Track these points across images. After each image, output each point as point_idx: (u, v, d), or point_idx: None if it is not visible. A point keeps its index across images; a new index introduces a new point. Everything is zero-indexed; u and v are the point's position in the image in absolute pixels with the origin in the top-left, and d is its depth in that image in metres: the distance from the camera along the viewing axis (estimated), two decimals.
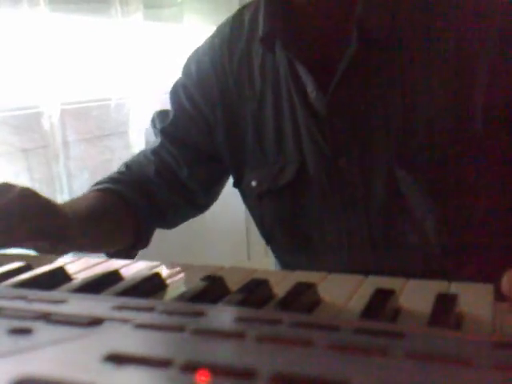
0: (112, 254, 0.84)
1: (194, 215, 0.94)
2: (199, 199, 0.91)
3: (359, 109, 0.73)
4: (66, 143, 1.68)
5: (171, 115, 0.89)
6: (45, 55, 1.57)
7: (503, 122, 0.68)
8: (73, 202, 0.79)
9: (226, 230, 2.36)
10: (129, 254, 0.86)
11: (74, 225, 0.70)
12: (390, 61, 0.71)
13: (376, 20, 0.70)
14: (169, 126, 0.88)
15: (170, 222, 0.92)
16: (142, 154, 0.91)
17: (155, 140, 0.90)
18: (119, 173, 0.89)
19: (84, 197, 0.83)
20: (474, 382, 0.25)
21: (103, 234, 0.80)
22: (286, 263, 0.88)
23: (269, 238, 0.87)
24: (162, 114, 0.91)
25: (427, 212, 0.71)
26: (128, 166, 0.90)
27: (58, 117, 1.62)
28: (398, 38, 0.71)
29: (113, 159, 1.68)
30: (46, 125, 1.59)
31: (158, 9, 2.06)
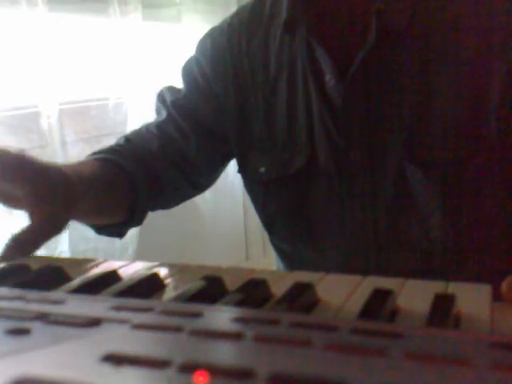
0: (102, 230, 0.82)
1: (191, 195, 0.92)
2: (200, 177, 0.90)
3: (374, 101, 0.73)
4: (64, 143, 1.68)
5: (184, 90, 0.88)
6: (43, 55, 1.57)
7: None
8: (72, 165, 0.75)
9: (224, 230, 2.36)
10: (119, 231, 0.84)
11: (77, 183, 0.66)
12: (407, 55, 0.71)
13: (395, 12, 0.70)
14: (181, 99, 0.87)
15: (167, 201, 0.90)
16: (144, 127, 0.89)
17: (159, 116, 0.89)
18: (118, 145, 0.86)
19: (82, 162, 0.79)
20: (473, 382, 0.25)
21: (101, 202, 0.76)
22: (284, 253, 0.87)
23: (269, 225, 0.86)
24: (172, 89, 0.90)
25: (433, 209, 0.71)
26: (128, 139, 0.87)
27: (56, 117, 1.61)
28: (417, 33, 0.71)
29: None
30: (44, 125, 1.59)
31: (156, 9, 2.06)
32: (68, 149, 1.70)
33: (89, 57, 1.77)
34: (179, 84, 0.91)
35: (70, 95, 1.74)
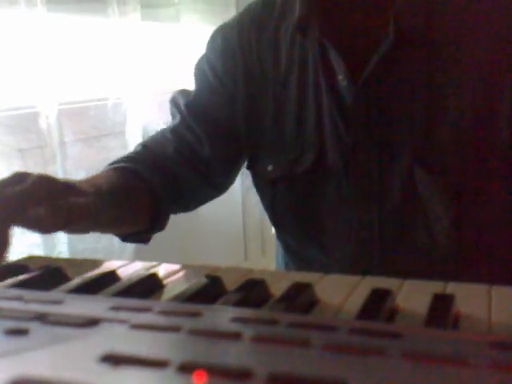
0: (126, 238, 0.82)
1: (211, 197, 0.92)
2: (218, 178, 0.89)
3: (386, 103, 0.73)
4: (62, 143, 1.68)
5: (195, 90, 0.88)
6: (42, 55, 1.57)
7: None
8: (90, 178, 0.75)
9: (223, 230, 2.36)
10: (144, 237, 0.84)
11: (94, 199, 0.65)
12: (421, 60, 0.71)
13: (412, 18, 0.71)
14: (192, 100, 0.87)
15: (187, 203, 0.90)
16: (160, 133, 0.89)
17: (174, 120, 0.89)
18: (135, 152, 0.86)
19: (101, 174, 0.79)
20: (471, 381, 0.25)
21: (122, 212, 0.76)
22: (289, 248, 0.87)
23: (278, 222, 0.86)
24: (184, 92, 0.90)
25: (440, 215, 0.71)
26: (145, 145, 0.88)
27: (54, 117, 1.61)
28: (432, 39, 0.71)
29: (110, 159, 1.68)
30: (42, 125, 1.59)
31: (155, 9, 2.05)
32: (67, 149, 1.70)
33: (87, 57, 1.77)
34: (182, 85, 0.90)
35: (69, 95, 1.74)
